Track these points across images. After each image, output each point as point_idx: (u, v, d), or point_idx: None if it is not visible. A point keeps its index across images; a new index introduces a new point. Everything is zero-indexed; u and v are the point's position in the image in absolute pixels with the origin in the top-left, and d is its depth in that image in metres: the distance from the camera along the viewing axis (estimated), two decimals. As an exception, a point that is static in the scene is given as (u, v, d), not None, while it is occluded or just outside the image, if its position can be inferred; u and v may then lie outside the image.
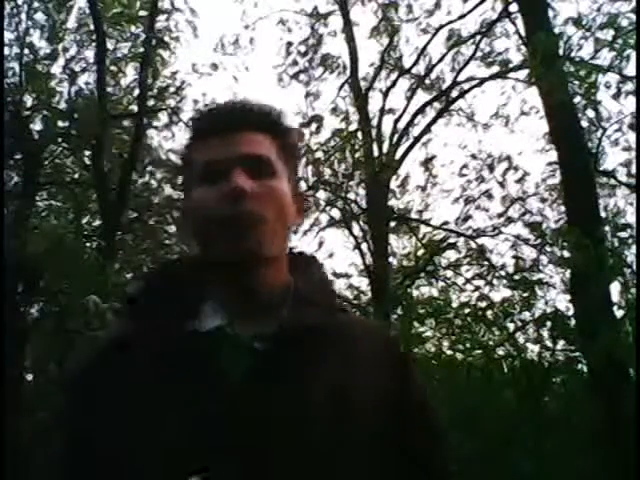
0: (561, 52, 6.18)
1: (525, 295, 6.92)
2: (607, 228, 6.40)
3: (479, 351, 6.77)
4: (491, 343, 6.90)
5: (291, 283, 1.04)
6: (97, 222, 8.30)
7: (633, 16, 6.10)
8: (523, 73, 7.51)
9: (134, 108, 8.26)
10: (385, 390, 0.99)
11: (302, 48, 8.61)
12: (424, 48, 8.27)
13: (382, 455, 0.95)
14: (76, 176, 8.72)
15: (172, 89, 8.46)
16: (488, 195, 8.11)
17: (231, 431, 0.89)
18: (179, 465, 0.87)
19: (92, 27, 7.78)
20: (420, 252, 8.68)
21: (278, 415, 0.90)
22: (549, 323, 6.37)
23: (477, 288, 7.61)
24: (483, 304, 7.22)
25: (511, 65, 7.77)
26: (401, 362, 1.05)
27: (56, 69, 8.16)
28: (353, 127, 8.42)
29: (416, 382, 1.05)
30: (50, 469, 1.00)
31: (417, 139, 8.40)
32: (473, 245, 8.06)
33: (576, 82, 6.35)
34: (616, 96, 6.64)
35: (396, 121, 8.37)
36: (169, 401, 0.92)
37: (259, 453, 0.88)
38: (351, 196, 8.28)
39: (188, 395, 0.91)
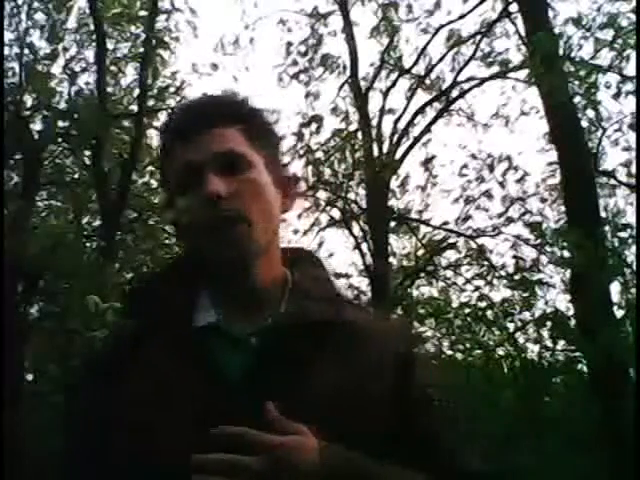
0: (561, 52, 6.18)
1: (525, 295, 6.92)
2: (607, 228, 6.40)
3: (479, 351, 6.77)
4: (491, 343, 6.90)
5: (288, 278, 1.03)
6: (97, 222, 8.30)
7: (633, 16, 6.10)
8: (523, 73, 7.51)
9: (134, 108, 8.26)
10: (386, 386, 0.96)
11: (302, 48, 8.60)
12: (424, 48, 8.26)
13: (383, 450, 0.92)
14: (76, 176, 8.72)
15: (172, 89, 8.45)
16: (488, 195, 8.10)
17: (219, 422, 0.87)
18: (176, 463, 0.86)
19: (92, 27, 7.78)
20: (420, 252, 8.68)
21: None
22: (549, 323, 6.38)
23: (477, 288, 7.61)
24: (483, 304, 7.22)
25: (511, 65, 7.76)
26: (405, 358, 1.01)
27: (56, 69, 8.15)
28: (353, 127, 8.42)
29: (419, 379, 1.01)
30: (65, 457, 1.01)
31: (417, 139, 8.38)
32: (473, 245, 8.06)
33: (576, 82, 6.35)
34: (616, 96, 6.63)
35: (396, 121, 8.37)
36: (168, 397, 0.92)
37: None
38: (351, 196, 8.29)
39: (185, 394, 0.91)
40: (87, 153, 7.88)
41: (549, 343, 6.35)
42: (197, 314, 0.99)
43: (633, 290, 6.00)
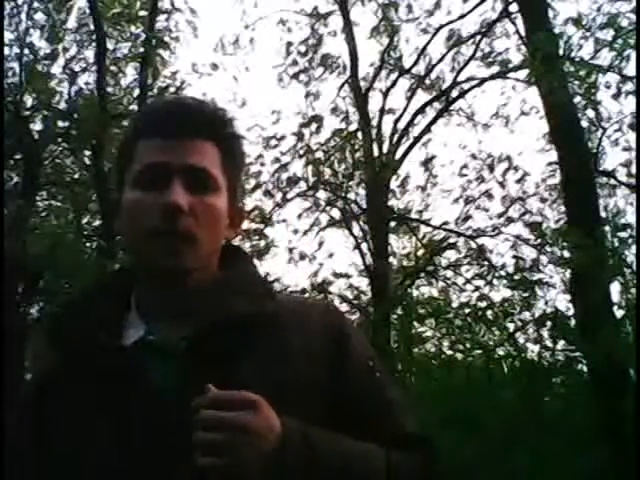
0: (561, 52, 6.17)
1: (525, 295, 6.91)
2: (607, 228, 6.40)
3: (479, 351, 6.77)
4: (491, 343, 6.90)
5: (218, 277, 1.03)
6: (97, 222, 8.30)
7: (633, 16, 6.10)
8: (523, 73, 7.51)
9: (134, 108, 8.26)
10: (323, 368, 0.97)
11: (302, 48, 8.60)
12: (424, 48, 8.27)
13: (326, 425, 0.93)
14: (76, 176, 8.72)
15: (172, 89, 8.45)
16: (488, 195, 8.10)
17: (157, 435, 0.89)
18: None
19: (92, 27, 7.78)
20: (420, 252, 8.68)
21: None
22: (549, 323, 6.37)
23: (477, 288, 7.60)
24: (483, 304, 7.21)
25: (511, 65, 7.77)
26: (339, 337, 1.02)
27: (56, 69, 8.16)
28: (353, 127, 8.42)
29: (353, 350, 1.02)
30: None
31: (417, 139, 8.39)
32: (473, 245, 8.06)
33: (576, 82, 6.35)
34: (616, 96, 6.63)
35: (396, 121, 8.37)
36: (101, 423, 0.92)
37: (185, 455, 0.86)
38: (351, 196, 8.29)
39: (118, 415, 0.91)
40: (87, 153, 7.88)
41: (549, 343, 6.35)
42: (126, 331, 0.98)
43: (633, 290, 6.00)
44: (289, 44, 8.63)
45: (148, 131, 1.00)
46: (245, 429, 0.82)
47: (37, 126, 7.91)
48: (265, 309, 0.99)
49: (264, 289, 1.04)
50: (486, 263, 7.75)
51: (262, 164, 8.02)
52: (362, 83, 8.43)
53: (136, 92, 8.27)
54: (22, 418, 1.01)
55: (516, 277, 7.21)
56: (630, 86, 6.43)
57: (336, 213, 8.47)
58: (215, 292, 0.99)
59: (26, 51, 7.82)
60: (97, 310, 1.00)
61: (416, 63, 8.35)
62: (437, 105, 8.46)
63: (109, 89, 8.22)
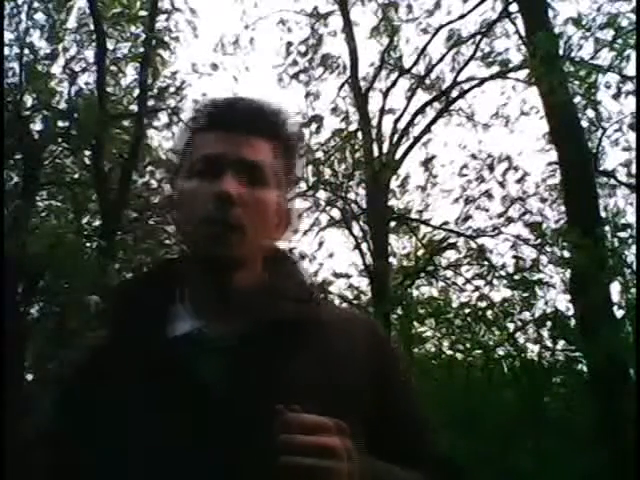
0: (561, 52, 6.18)
1: (525, 295, 6.91)
2: (607, 228, 6.40)
3: (479, 351, 6.77)
4: (491, 343, 6.90)
5: (265, 279, 1.04)
6: (97, 222, 8.30)
7: (633, 16, 6.11)
8: (523, 73, 7.52)
9: (134, 108, 8.26)
10: (362, 375, 0.99)
11: (302, 48, 8.61)
12: (424, 48, 8.27)
13: (365, 441, 0.94)
14: (76, 176, 8.72)
15: (172, 89, 8.44)
16: (488, 195, 8.11)
17: (206, 431, 0.90)
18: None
19: (92, 27, 7.78)
20: (420, 252, 8.68)
21: (253, 411, 0.91)
22: (549, 323, 6.37)
23: (477, 288, 7.61)
24: (483, 304, 7.21)
25: (511, 65, 7.77)
26: (378, 346, 1.04)
27: (56, 69, 8.16)
28: (353, 127, 8.43)
29: (394, 367, 1.06)
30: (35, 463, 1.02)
31: (417, 139, 8.39)
32: (473, 245, 8.06)
33: (576, 82, 6.35)
34: (616, 96, 6.64)
35: (396, 121, 8.37)
36: (146, 410, 0.92)
37: (233, 450, 0.88)
38: (351, 196, 8.29)
39: (165, 403, 0.92)
40: (87, 153, 7.88)
41: (549, 343, 6.35)
42: (173, 324, 0.99)
43: (633, 290, 6.00)
44: (289, 44, 8.64)
45: (206, 124, 1.04)
46: (342, 456, 0.82)
47: (37, 126, 7.91)
48: (312, 314, 1.02)
49: (311, 294, 1.07)
50: (486, 263, 7.76)
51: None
52: (362, 83, 8.44)
53: (136, 92, 8.27)
54: (60, 402, 1.02)
55: (516, 277, 7.21)
56: (630, 86, 6.45)
57: (336, 213, 8.48)
58: (263, 293, 1.01)
59: (26, 51, 7.81)
60: (146, 300, 1.02)
61: (416, 63, 8.37)
62: (437, 105, 8.46)
63: (109, 89, 8.22)
